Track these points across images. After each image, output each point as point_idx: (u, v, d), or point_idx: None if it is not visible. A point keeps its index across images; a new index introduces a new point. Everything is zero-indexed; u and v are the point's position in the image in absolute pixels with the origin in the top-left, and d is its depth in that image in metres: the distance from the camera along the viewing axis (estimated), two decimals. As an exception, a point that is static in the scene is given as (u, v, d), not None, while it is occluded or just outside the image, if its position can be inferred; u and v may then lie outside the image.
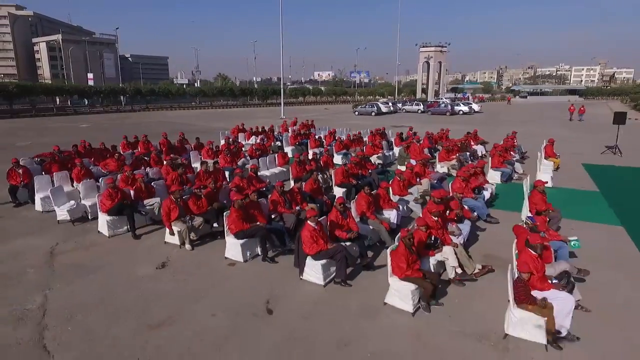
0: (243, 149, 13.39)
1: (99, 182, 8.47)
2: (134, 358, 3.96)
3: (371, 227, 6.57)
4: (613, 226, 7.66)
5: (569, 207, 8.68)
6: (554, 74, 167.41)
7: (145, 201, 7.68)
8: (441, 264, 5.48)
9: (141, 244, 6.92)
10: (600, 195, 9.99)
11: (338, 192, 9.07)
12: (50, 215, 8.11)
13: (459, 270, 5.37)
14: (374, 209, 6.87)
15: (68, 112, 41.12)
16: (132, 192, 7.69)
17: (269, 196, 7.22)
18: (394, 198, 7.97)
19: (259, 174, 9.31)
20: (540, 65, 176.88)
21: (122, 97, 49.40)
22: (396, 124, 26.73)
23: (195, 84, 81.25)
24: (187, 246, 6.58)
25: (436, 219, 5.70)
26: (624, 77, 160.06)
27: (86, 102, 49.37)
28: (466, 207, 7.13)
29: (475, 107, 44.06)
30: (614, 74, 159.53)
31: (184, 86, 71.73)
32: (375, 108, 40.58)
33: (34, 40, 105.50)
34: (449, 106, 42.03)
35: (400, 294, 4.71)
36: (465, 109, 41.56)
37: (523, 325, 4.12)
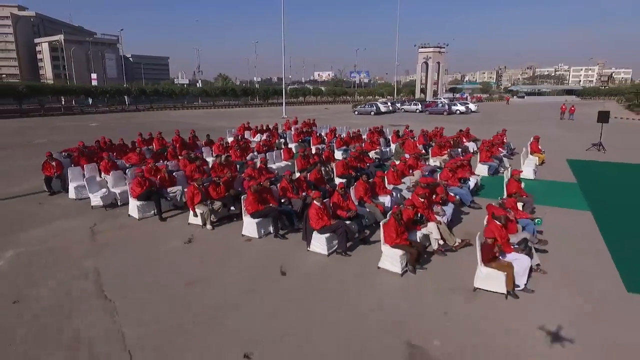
0: (250, 145, 14.39)
1: (126, 173, 9.49)
2: (182, 301, 4.99)
3: (368, 209, 7.59)
4: (581, 211, 8.68)
5: (547, 195, 9.75)
6: (553, 74, 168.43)
7: (169, 189, 8.70)
8: (426, 237, 6.50)
9: (167, 225, 7.94)
10: (576, 186, 11.01)
11: (339, 182, 10.07)
12: (84, 202, 9.14)
13: (441, 242, 6.39)
14: (370, 194, 7.89)
15: (75, 111, 42.16)
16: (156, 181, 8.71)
17: (279, 184, 8.24)
18: (389, 187, 8.98)
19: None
20: (540, 66, 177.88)
21: (125, 97, 50.52)
22: (394, 123, 27.72)
23: (197, 84, 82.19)
24: (208, 226, 7.60)
25: (422, 200, 6.72)
26: (622, 77, 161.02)
27: (90, 102, 50.41)
28: (451, 193, 8.16)
29: (472, 106, 45.12)
30: (612, 74, 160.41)
31: (184, 86, 72.79)
32: (375, 108, 41.65)
33: (37, 40, 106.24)
34: (446, 106, 43.10)
35: (391, 258, 5.73)
36: (462, 108, 42.60)
37: (488, 279, 5.15)
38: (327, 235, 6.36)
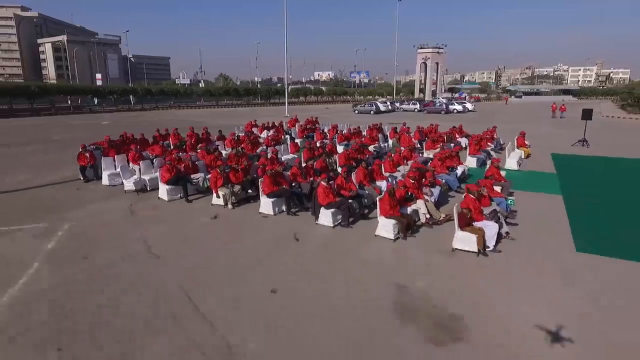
0: (259, 140, 15.64)
1: (153, 162, 10.74)
2: (217, 257, 6.23)
3: (367, 191, 8.83)
4: (554, 195, 9.91)
5: (526, 182, 11.01)
6: (552, 75, 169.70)
7: (192, 176, 9.94)
8: (416, 213, 7.73)
9: (193, 206, 9.18)
10: (555, 176, 12.24)
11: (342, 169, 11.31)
12: (117, 188, 10.39)
13: (428, 216, 7.62)
14: (369, 179, 9.13)
15: (84, 111, 43.42)
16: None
17: (289, 171, 9.48)
18: (385, 174, 10.21)
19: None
20: (539, 66, 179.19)
21: (131, 97, 51.80)
22: (393, 121, 28.95)
23: (200, 84, 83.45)
24: (230, 206, 8.84)
25: (413, 181, 7.96)
26: (620, 78, 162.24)
27: (96, 102, 51.66)
28: (439, 179, 9.40)
29: (469, 106, 46.39)
30: (609, 74, 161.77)
31: (185, 86, 74.11)
32: (374, 107, 42.94)
33: (40, 41, 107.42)
34: (444, 105, 44.38)
35: (385, 227, 6.97)
36: (459, 107, 43.87)
37: (463, 241, 6.38)
38: (332, 210, 7.59)
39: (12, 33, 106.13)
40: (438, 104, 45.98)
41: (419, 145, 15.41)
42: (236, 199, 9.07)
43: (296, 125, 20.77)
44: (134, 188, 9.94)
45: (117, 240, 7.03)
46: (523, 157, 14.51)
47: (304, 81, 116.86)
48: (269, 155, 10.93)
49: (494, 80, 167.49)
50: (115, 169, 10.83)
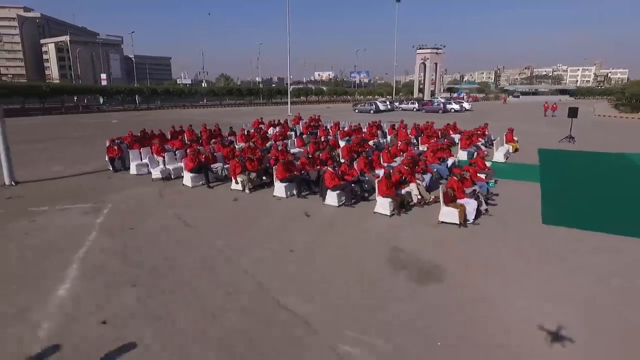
0: (268, 135, 16.91)
1: (175, 154, 12.01)
2: (243, 228, 7.49)
3: (367, 178, 10.09)
4: (532, 182, 11.17)
5: (509, 172, 12.24)
6: (550, 75, 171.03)
7: (212, 165, 11.20)
8: (409, 194, 8.99)
9: (214, 191, 10.45)
10: (537, 167, 13.50)
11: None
12: (144, 177, 11.65)
13: (420, 197, 8.89)
14: (369, 167, 10.40)
15: (92, 110, 44.70)
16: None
17: (299, 160, 10.74)
18: (384, 164, 11.47)
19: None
20: (538, 66, 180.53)
21: (136, 97, 53.13)
22: (392, 120, 30.18)
23: (202, 84, 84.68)
24: (247, 191, 10.10)
25: (407, 168, 9.22)
26: (619, 78, 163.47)
27: (101, 101, 52.93)
28: (430, 167, 10.66)
29: (467, 105, 47.71)
30: (607, 74, 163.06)
31: (187, 86, 75.40)
32: (374, 106, 44.24)
33: (43, 41, 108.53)
34: (441, 104, 45.65)
35: (382, 205, 8.23)
36: (456, 107, 45.18)
37: (447, 215, 7.64)
38: (338, 192, 8.85)
39: (15, 34, 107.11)
40: (436, 104, 47.23)
41: (415, 141, 16.66)
42: (252, 185, 10.32)
43: (300, 123, 22.02)
44: (160, 176, 11.20)
45: (154, 216, 8.29)
46: (511, 151, 15.78)
47: (304, 81, 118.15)
48: (280, 148, 12.19)
49: (493, 81, 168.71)
50: (142, 160, 12.09)
